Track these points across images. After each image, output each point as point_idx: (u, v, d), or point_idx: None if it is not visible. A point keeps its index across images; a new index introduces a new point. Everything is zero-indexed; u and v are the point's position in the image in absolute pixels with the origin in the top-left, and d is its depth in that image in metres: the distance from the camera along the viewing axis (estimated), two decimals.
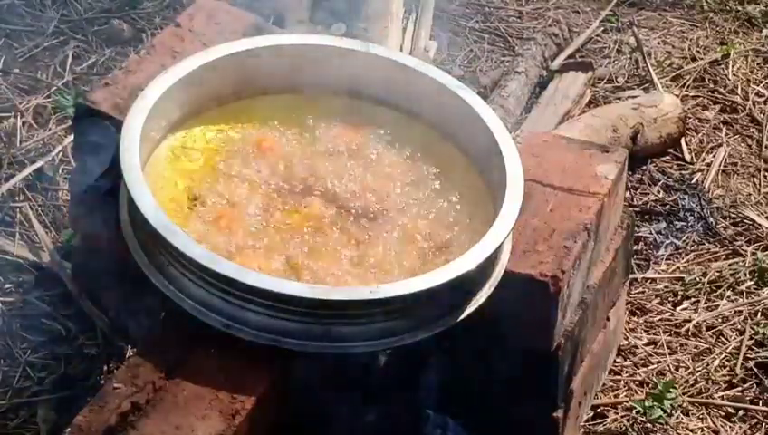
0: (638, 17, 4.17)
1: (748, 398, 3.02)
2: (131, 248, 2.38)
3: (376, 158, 2.61)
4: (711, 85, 3.94)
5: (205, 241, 2.35)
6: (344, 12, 3.88)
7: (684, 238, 3.42)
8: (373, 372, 2.50)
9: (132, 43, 3.78)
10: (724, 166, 3.66)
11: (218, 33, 2.83)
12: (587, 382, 2.84)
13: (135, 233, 2.39)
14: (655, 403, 2.95)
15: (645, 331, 3.16)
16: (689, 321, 3.19)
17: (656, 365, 3.07)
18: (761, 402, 3.00)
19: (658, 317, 3.20)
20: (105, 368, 2.85)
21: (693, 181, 3.59)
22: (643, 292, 3.26)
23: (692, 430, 2.94)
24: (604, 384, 3.00)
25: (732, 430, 2.94)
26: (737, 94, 3.90)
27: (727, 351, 3.12)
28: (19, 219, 3.19)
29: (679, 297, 3.26)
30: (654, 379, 3.03)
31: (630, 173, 3.51)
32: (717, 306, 3.24)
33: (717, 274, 3.31)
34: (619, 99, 3.79)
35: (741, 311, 3.22)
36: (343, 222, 2.47)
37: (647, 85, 3.89)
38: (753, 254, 3.37)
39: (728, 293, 3.27)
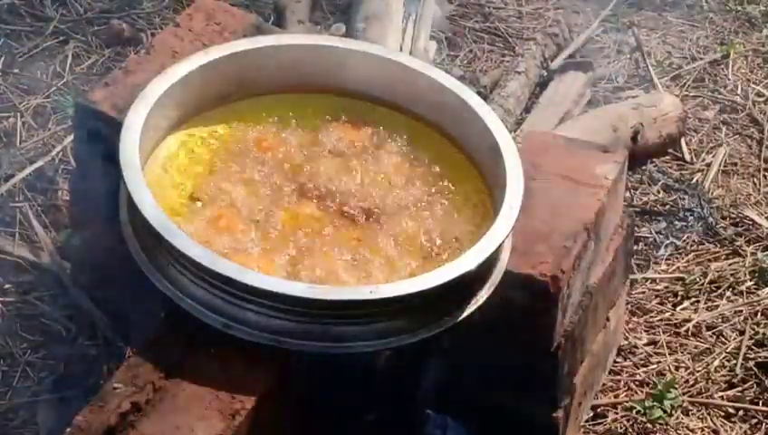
0: (638, 17, 4.17)
1: (748, 398, 3.01)
2: (131, 248, 2.38)
3: (376, 158, 2.61)
4: (711, 85, 3.94)
5: (205, 241, 2.35)
6: (344, 12, 3.88)
7: (684, 238, 3.42)
8: (373, 372, 2.50)
9: (132, 43, 3.78)
10: (724, 166, 3.66)
11: (218, 33, 2.83)
12: (587, 382, 2.84)
13: (135, 233, 2.39)
14: (655, 403, 2.95)
15: (645, 331, 3.16)
16: (689, 321, 3.19)
17: (656, 365, 3.07)
18: (761, 402, 3.00)
19: (658, 317, 3.20)
20: (105, 368, 2.85)
21: (693, 181, 3.59)
22: (643, 292, 3.26)
23: (692, 430, 2.94)
24: (604, 384, 3.00)
25: (732, 430, 2.94)
26: (737, 94, 3.90)
27: (727, 351, 3.12)
28: (19, 219, 3.19)
29: (679, 297, 3.26)
30: (654, 379, 3.03)
31: (630, 173, 3.51)
32: (717, 306, 3.24)
33: (717, 274, 3.31)
34: (619, 99, 3.79)
35: (741, 311, 3.22)
36: (343, 222, 2.47)
37: (647, 85, 3.89)
38: (753, 254, 3.37)
39: (728, 293, 3.27)
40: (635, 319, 3.18)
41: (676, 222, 3.46)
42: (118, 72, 2.75)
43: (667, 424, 2.93)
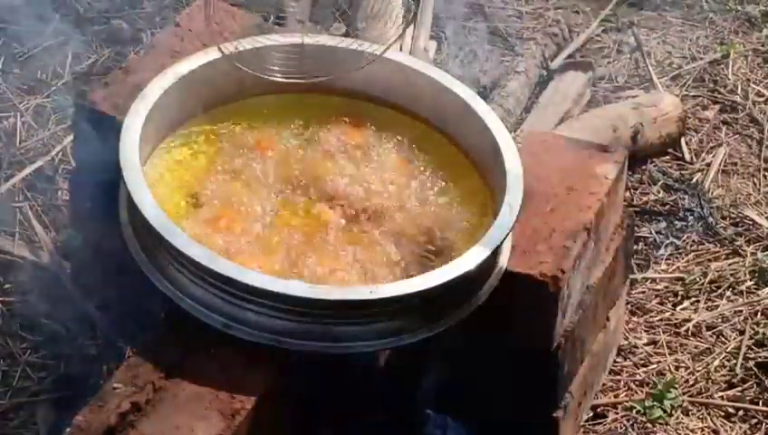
0: (638, 17, 4.17)
1: (748, 398, 3.01)
2: (131, 248, 2.38)
3: (376, 158, 2.61)
4: (711, 85, 3.94)
5: (205, 241, 2.35)
6: (343, 12, 3.88)
7: (684, 238, 3.42)
8: (373, 372, 2.50)
9: (132, 43, 3.78)
10: (724, 166, 3.66)
11: (218, 33, 2.83)
12: (587, 382, 2.84)
13: (135, 233, 2.39)
14: (655, 403, 2.95)
15: (645, 331, 3.16)
16: (689, 321, 3.19)
17: (656, 365, 3.07)
18: (761, 402, 3.00)
19: (658, 317, 3.20)
20: (105, 368, 2.85)
21: (693, 181, 3.59)
22: (643, 292, 3.26)
23: (692, 430, 2.93)
24: (604, 384, 3.00)
25: (732, 430, 2.94)
26: (737, 94, 3.90)
27: (727, 351, 3.12)
28: (19, 219, 3.19)
29: (679, 297, 3.26)
30: (654, 379, 3.03)
31: (630, 173, 3.51)
32: (717, 306, 3.24)
33: (717, 274, 3.31)
34: (619, 99, 3.79)
35: (741, 311, 3.22)
36: (343, 221, 2.47)
37: (647, 85, 3.89)
38: (753, 254, 3.37)
39: (728, 293, 3.27)
40: (635, 319, 3.18)
41: (677, 222, 3.46)
42: (118, 72, 2.75)
43: (667, 424, 2.93)
